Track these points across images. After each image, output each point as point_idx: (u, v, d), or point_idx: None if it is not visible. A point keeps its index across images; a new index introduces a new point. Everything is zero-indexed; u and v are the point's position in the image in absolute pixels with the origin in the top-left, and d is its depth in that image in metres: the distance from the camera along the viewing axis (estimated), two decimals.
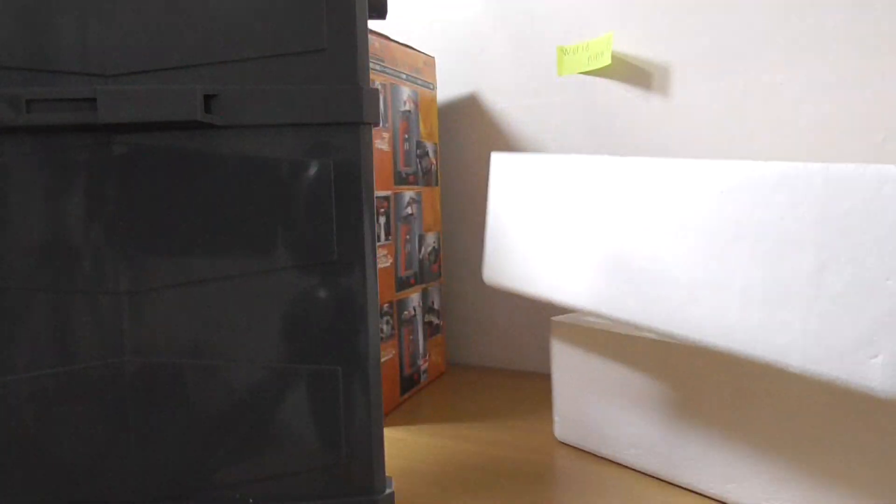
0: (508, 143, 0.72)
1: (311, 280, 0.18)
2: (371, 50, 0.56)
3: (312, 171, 0.18)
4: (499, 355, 0.75)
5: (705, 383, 0.38)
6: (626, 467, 0.44)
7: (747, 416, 0.37)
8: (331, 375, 0.19)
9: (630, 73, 0.66)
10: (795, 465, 0.35)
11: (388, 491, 0.20)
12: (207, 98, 0.17)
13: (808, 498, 0.34)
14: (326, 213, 0.18)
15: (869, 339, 0.27)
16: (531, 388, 0.65)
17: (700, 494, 0.40)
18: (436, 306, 0.68)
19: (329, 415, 0.19)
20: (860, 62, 0.58)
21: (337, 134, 0.18)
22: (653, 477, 0.43)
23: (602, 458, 0.46)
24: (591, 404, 0.46)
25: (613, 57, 0.66)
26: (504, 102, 0.73)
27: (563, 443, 0.49)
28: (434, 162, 0.68)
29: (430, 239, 0.67)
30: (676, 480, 0.41)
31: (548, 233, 0.42)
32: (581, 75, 0.68)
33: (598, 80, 0.68)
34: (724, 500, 0.38)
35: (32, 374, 0.17)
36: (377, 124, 0.21)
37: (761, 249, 0.31)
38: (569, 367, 0.47)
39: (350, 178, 0.19)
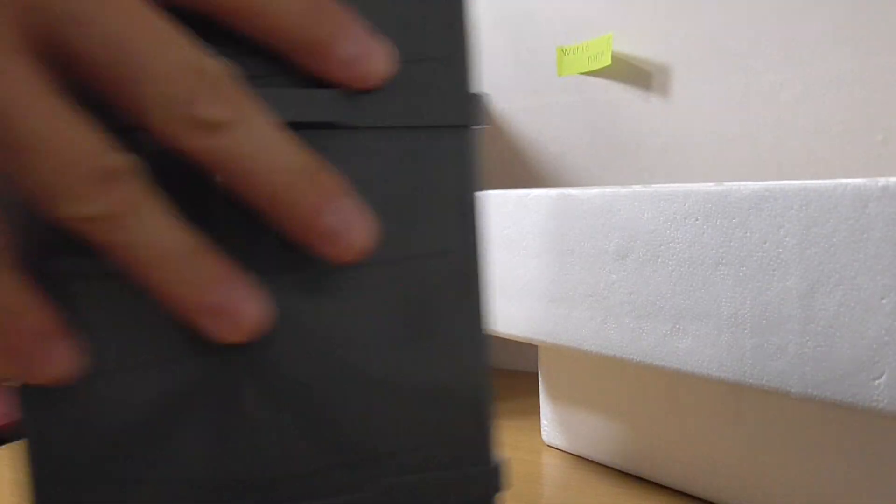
0: (508, 144, 0.72)
1: (428, 269, 0.20)
2: None
3: (429, 168, 0.20)
4: (500, 356, 0.75)
5: (697, 384, 0.38)
6: (622, 471, 0.44)
7: (741, 415, 0.37)
8: (448, 357, 0.21)
9: (630, 73, 0.66)
10: (790, 465, 0.35)
11: (500, 460, 0.22)
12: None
13: (801, 498, 0.34)
14: (442, 205, 0.20)
15: (870, 360, 0.27)
16: (532, 389, 0.65)
17: (691, 496, 0.40)
18: None
19: (450, 393, 0.21)
20: (860, 62, 0.58)
21: (451, 135, 0.20)
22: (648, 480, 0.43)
23: (590, 461, 0.46)
24: (579, 406, 0.46)
25: (613, 57, 0.66)
26: (504, 103, 0.72)
27: (550, 446, 0.49)
28: None
29: None
30: (665, 482, 0.41)
31: (518, 271, 0.42)
32: (581, 75, 0.68)
33: (598, 80, 0.68)
34: (713, 502, 0.38)
35: (162, 363, 0.18)
36: (484, 126, 0.22)
37: (746, 274, 0.31)
38: (556, 368, 0.47)
39: (463, 175, 0.21)
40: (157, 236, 0.16)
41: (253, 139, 0.17)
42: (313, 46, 0.18)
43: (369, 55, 0.18)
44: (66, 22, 0.15)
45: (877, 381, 0.27)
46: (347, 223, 0.18)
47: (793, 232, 0.29)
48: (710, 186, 0.32)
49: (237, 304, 0.18)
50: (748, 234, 0.31)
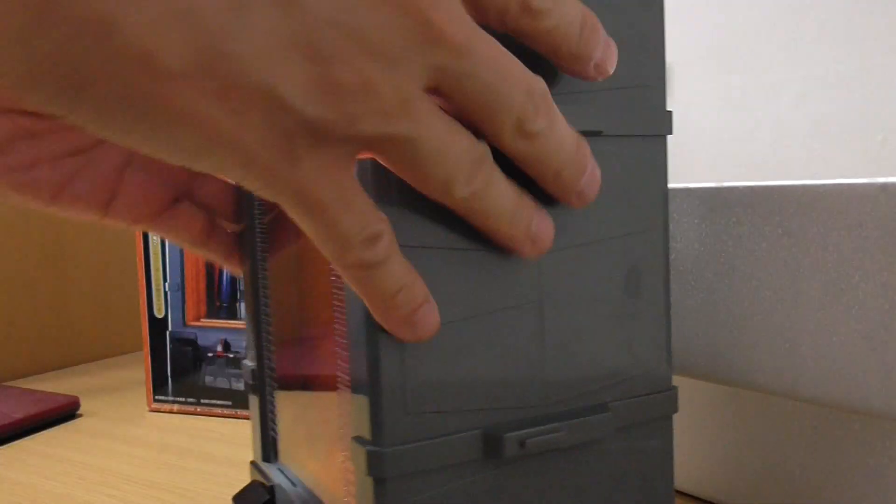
0: None
1: (638, 243, 0.27)
2: None
3: (641, 166, 0.27)
4: None
5: (697, 384, 0.39)
6: None
7: (741, 415, 0.37)
8: (647, 310, 0.28)
9: None
10: (789, 465, 0.35)
11: (675, 388, 0.29)
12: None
13: (800, 498, 0.34)
14: (648, 194, 0.27)
15: (870, 360, 0.27)
16: None
17: (691, 496, 0.40)
18: None
19: (648, 338, 0.28)
20: (860, 62, 0.58)
21: (654, 142, 0.27)
22: None
23: None
24: None
25: None
26: None
27: None
28: None
29: None
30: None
31: None
32: None
33: None
34: (713, 502, 0.38)
35: (479, 313, 0.25)
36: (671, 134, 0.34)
37: (744, 274, 0.31)
38: None
39: (661, 171, 0.28)
40: (502, 197, 0.23)
41: (556, 139, 0.23)
42: (580, 56, 0.23)
43: (611, 57, 0.24)
44: (458, 77, 0.21)
45: (875, 382, 0.27)
46: (592, 184, 0.24)
47: (792, 232, 0.29)
48: (709, 186, 0.32)
49: (546, 228, 0.24)
50: (747, 234, 0.31)
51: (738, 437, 0.37)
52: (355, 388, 0.25)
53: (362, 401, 0.25)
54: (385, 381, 0.24)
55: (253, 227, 0.35)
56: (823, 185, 0.28)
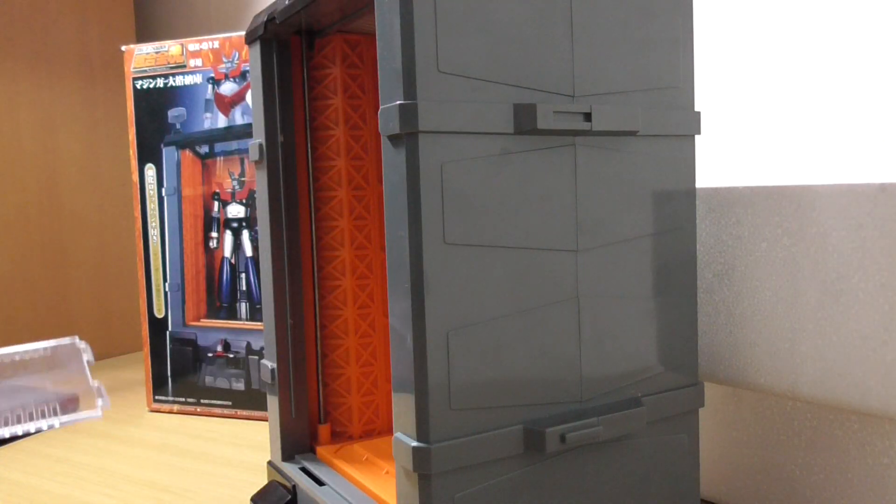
0: None
1: (668, 240, 0.28)
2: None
3: (671, 165, 0.28)
4: None
5: None
6: None
7: (740, 415, 0.37)
8: (677, 307, 0.29)
9: None
10: (788, 464, 0.35)
11: (701, 383, 0.30)
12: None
13: (800, 497, 0.34)
14: (678, 193, 0.28)
15: (869, 360, 0.27)
16: None
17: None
18: None
19: (677, 335, 0.29)
20: (860, 62, 0.58)
21: (684, 142, 0.28)
22: None
23: None
24: None
25: None
26: None
27: None
28: None
29: None
30: None
31: None
32: None
33: None
34: (713, 502, 0.38)
35: (520, 310, 0.25)
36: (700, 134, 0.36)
37: (743, 274, 0.31)
38: None
39: (690, 170, 0.29)
40: None
41: None
42: None
43: None
44: None
45: (874, 382, 0.27)
46: None
47: (792, 232, 0.29)
48: (708, 186, 0.32)
49: None
50: (746, 234, 0.31)
51: (738, 437, 0.37)
52: (399, 387, 0.26)
53: (407, 399, 0.25)
54: (430, 379, 0.24)
55: (282, 225, 0.35)
56: (823, 186, 0.28)
